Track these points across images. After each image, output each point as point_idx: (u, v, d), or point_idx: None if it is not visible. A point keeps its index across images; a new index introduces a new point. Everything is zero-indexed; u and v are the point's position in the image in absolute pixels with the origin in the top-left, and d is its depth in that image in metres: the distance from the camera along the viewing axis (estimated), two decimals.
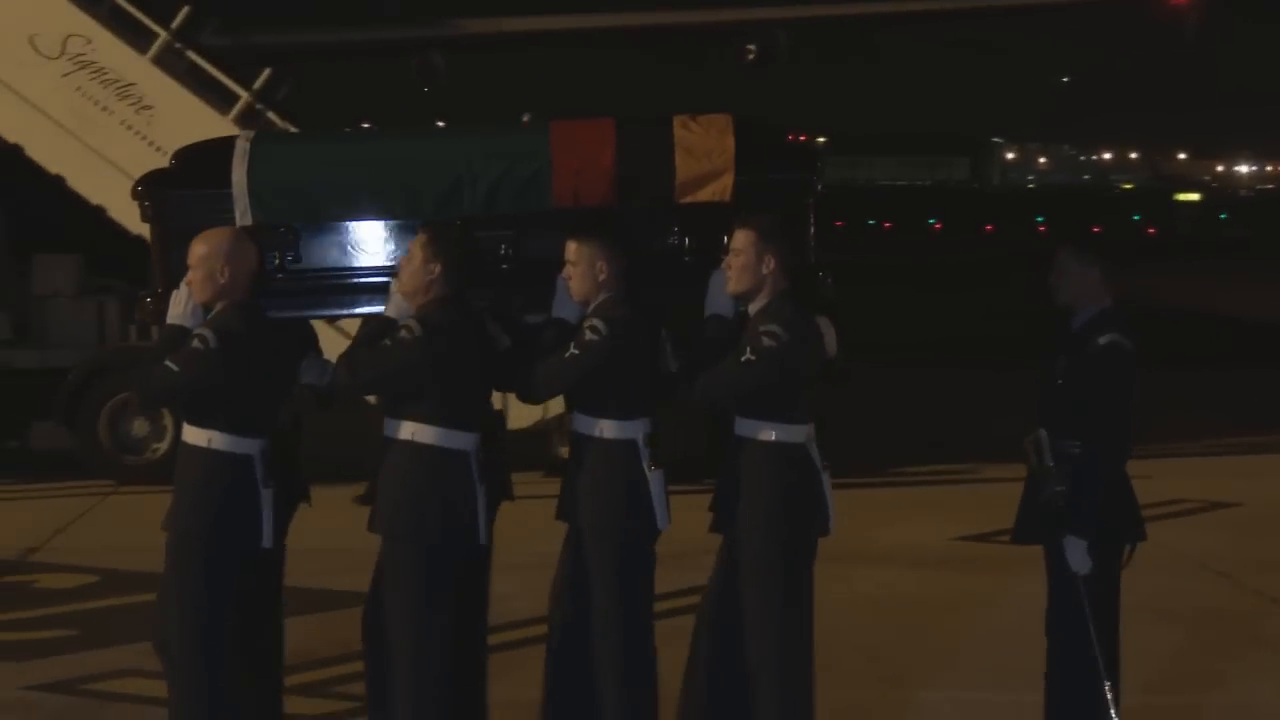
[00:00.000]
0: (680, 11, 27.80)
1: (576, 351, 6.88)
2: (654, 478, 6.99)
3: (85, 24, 15.13)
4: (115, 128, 14.54)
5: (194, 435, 6.87)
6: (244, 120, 15.02)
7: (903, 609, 10.52)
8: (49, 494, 14.37)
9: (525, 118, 18.14)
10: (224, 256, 6.86)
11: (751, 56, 27.16)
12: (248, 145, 7.28)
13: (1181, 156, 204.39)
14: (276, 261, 7.26)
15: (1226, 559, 12.00)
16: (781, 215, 7.07)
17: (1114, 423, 7.08)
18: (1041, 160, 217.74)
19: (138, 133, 14.52)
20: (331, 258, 7.38)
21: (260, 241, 7.10)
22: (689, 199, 7.22)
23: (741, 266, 6.87)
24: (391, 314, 7.00)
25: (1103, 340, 7.06)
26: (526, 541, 7.57)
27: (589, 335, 6.87)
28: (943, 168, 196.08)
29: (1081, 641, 7.01)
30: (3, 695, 8.55)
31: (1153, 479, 15.16)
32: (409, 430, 6.89)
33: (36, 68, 15.03)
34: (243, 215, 7.18)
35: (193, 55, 15.54)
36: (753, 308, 6.93)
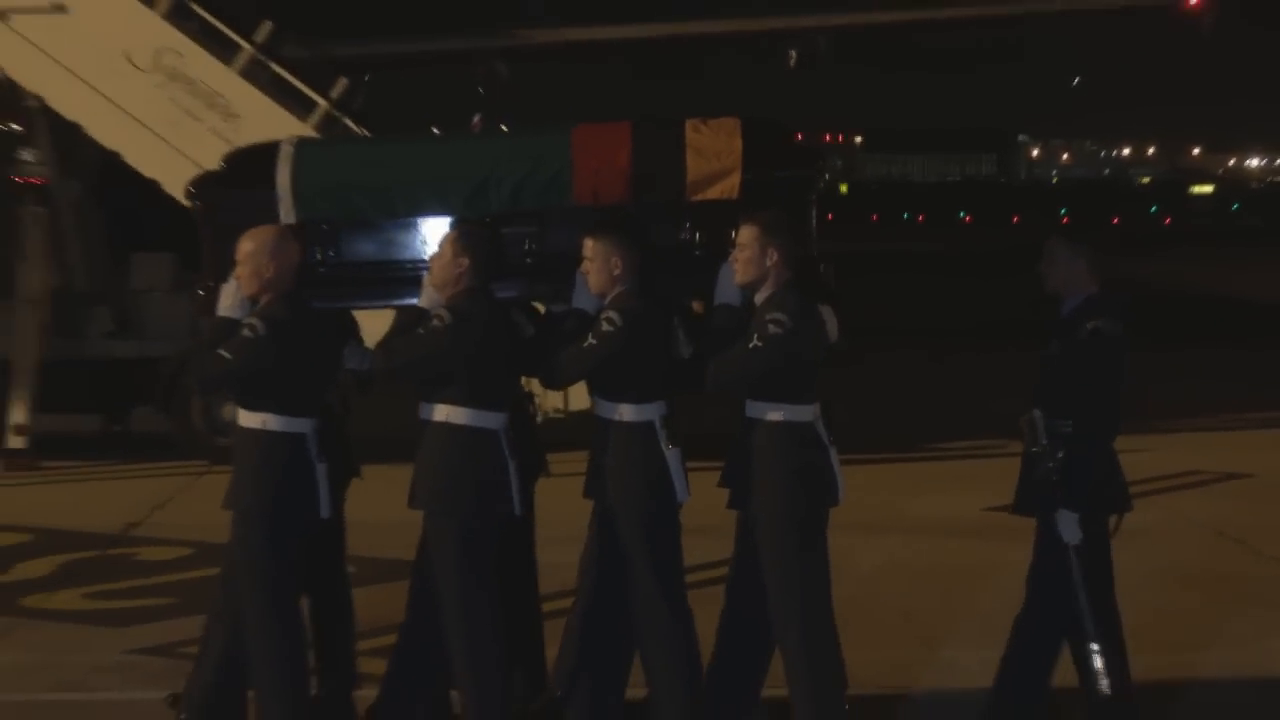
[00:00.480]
0: (728, 20, 27.80)
1: (594, 341, 6.91)
2: (671, 455, 7.00)
3: (177, 39, 15.17)
4: (205, 135, 14.56)
5: (249, 419, 6.90)
6: (323, 126, 15.05)
7: (937, 575, 10.47)
8: (148, 474, 14.45)
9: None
10: (269, 252, 6.88)
11: (793, 61, 27.11)
12: (291, 150, 7.32)
13: (1196, 151, 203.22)
14: (318, 257, 7.30)
15: (1242, 526, 11.92)
16: (785, 211, 7.09)
17: (1102, 403, 7.06)
18: (1064, 156, 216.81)
19: (226, 139, 14.51)
20: (368, 253, 7.43)
21: (302, 238, 7.14)
22: (699, 196, 7.25)
23: (747, 259, 6.89)
24: (424, 304, 7.04)
25: (1090, 326, 7.05)
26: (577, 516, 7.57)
27: (605, 326, 6.89)
28: (972, 164, 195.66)
29: (1066, 607, 7.05)
30: (107, 658, 8.60)
31: (1171, 450, 15.23)
32: (442, 412, 6.92)
33: (132, 80, 15.07)
34: (286, 214, 7.22)
35: (275, 67, 15.55)
36: (759, 297, 6.93)
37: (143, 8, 15.25)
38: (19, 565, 10.91)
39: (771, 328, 6.79)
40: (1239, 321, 29.74)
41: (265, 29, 15.55)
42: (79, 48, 15.14)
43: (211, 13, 15.51)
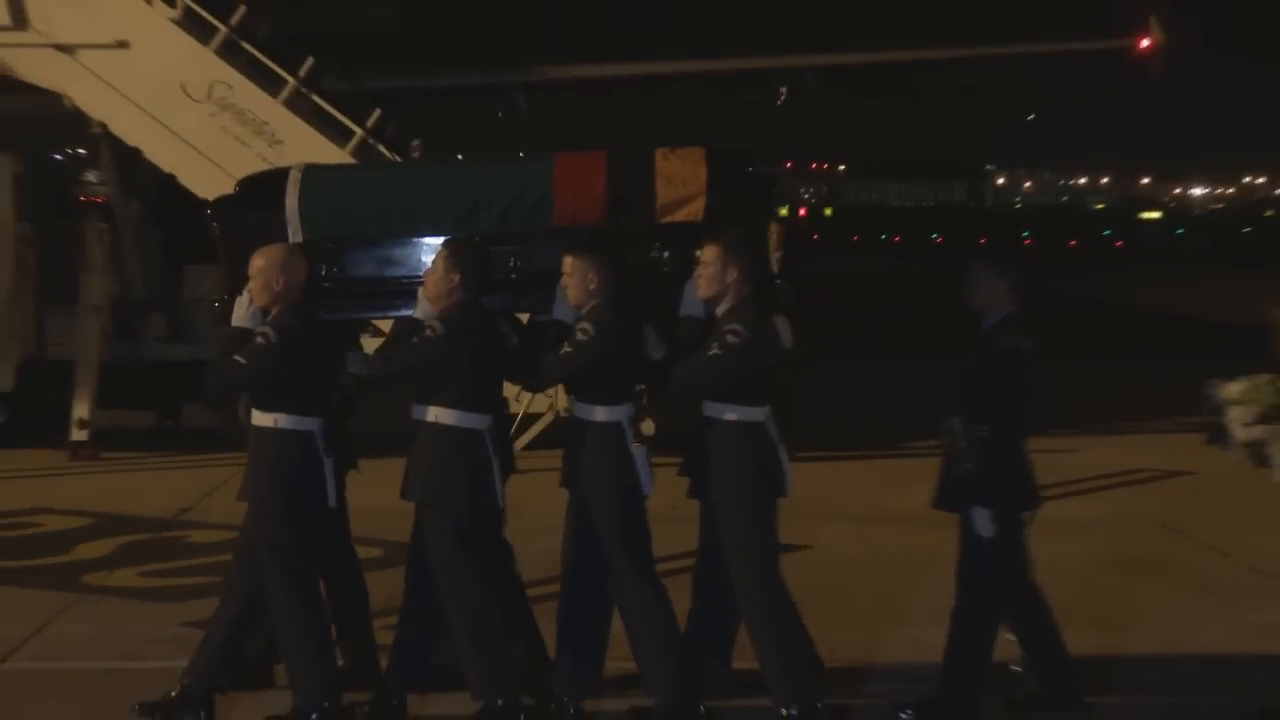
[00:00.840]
0: (723, 59, 27.90)
1: (569, 349, 6.95)
2: (638, 452, 7.06)
3: (228, 73, 15.19)
4: (252, 159, 14.55)
5: (262, 419, 6.95)
6: (359, 153, 15.09)
7: (915, 562, 10.47)
8: (198, 464, 14.44)
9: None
10: (279, 268, 6.92)
11: (783, 97, 27.16)
12: (299, 175, 7.37)
13: (1145, 181, 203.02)
14: (323, 272, 7.35)
15: (1181, 518, 11.90)
16: (744, 232, 7.18)
17: (1012, 411, 7.16)
18: (1027, 184, 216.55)
19: (271, 163, 14.53)
20: (368, 269, 7.47)
21: (309, 255, 7.18)
22: (668, 219, 7.31)
23: (710, 276, 6.98)
24: (419, 316, 7.10)
25: (1004, 342, 7.17)
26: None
27: (580, 336, 6.95)
28: (944, 190, 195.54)
29: (986, 593, 7.16)
30: (162, 630, 8.60)
31: (1120, 450, 15.24)
32: (434, 414, 6.98)
33: (187, 109, 15.09)
34: (294, 233, 7.27)
35: (316, 98, 15.57)
36: (720, 310, 7.03)
37: (197, 44, 15.27)
38: (80, 546, 10.92)
39: (730, 337, 6.88)
40: (1185, 334, 29.74)
41: (307, 64, 15.57)
42: (139, 80, 15.17)
43: (259, 49, 15.56)
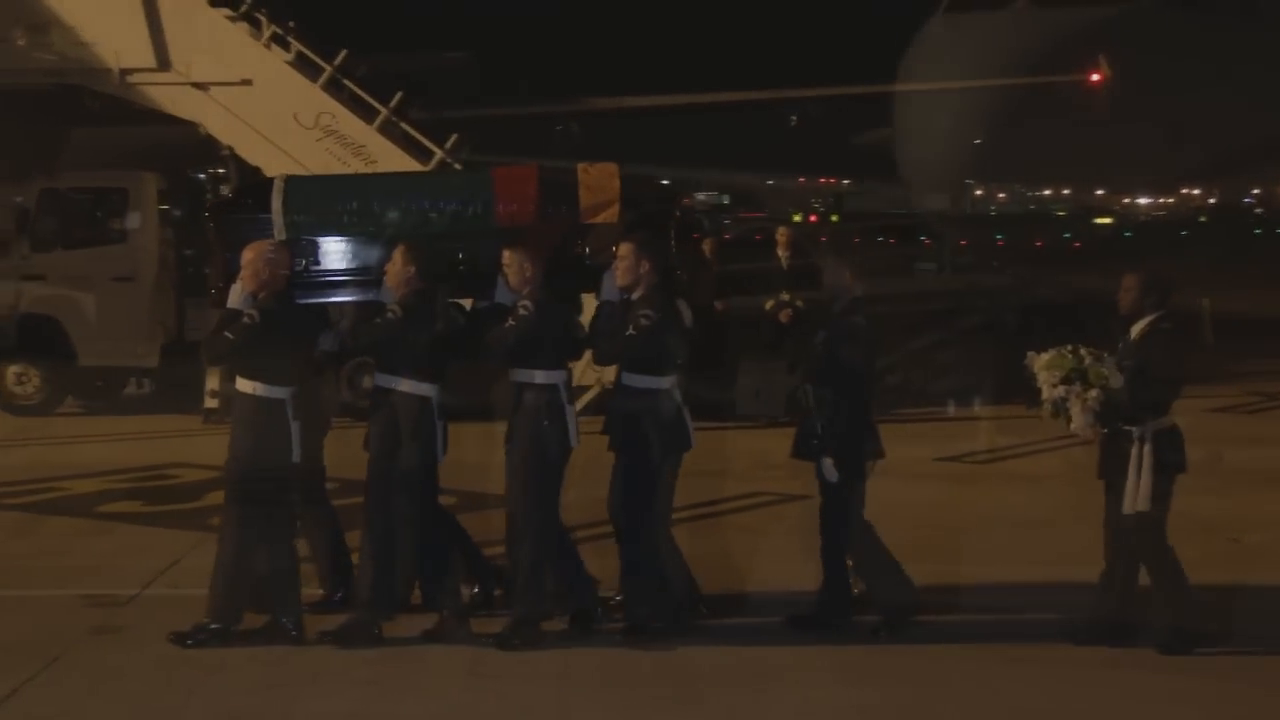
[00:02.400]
0: (744, 91, 27.97)
1: (512, 323, 7.06)
2: (569, 410, 7.18)
3: (331, 105, 15.33)
4: None
5: (244, 385, 7.11)
6: (439, 170, 15.11)
7: (900, 509, 10.42)
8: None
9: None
10: (265, 260, 7.08)
11: (794, 122, 27.14)
12: (282, 183, 7.44)
13: (1100, 192, 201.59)
14: (302, 264, 7.44)
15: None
16: (652, 232, 7.32)
17: (854, 377, 7.28)
18: (1000, 194, 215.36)
19: None
20: (340, 261, 7.54)
21: (290, 249, 7.29)
22: (589, 220, 7.40)
23: (626, 268, 7.11)
24: (383, 300, 7.21)
25: (847, 320, 7.31)
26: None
27: (521, 311, 7.06)
28: (928, 200, 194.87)
29: (836, 532, 7.31)
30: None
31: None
32: (392, 382, 7.12)
33: (298, 135, 15.23)
34: (279, 231, 7.34)
35: (404, 125, 15.65)
36: (634, 296, 7.14)
37: (307, 82, 15.41)
38: (209, 494, 10.94)
39: (643, 320, 7.03)
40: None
41: (397, 97, 15.65)
42: (259, 111, 15.31)
43: (358, 85, 15.64)
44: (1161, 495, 7.03)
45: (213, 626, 7.09)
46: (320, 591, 7.71)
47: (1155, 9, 15.11)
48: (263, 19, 15.65)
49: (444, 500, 7.60)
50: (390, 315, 7.06)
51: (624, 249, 7.13)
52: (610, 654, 7.03)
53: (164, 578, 8.44)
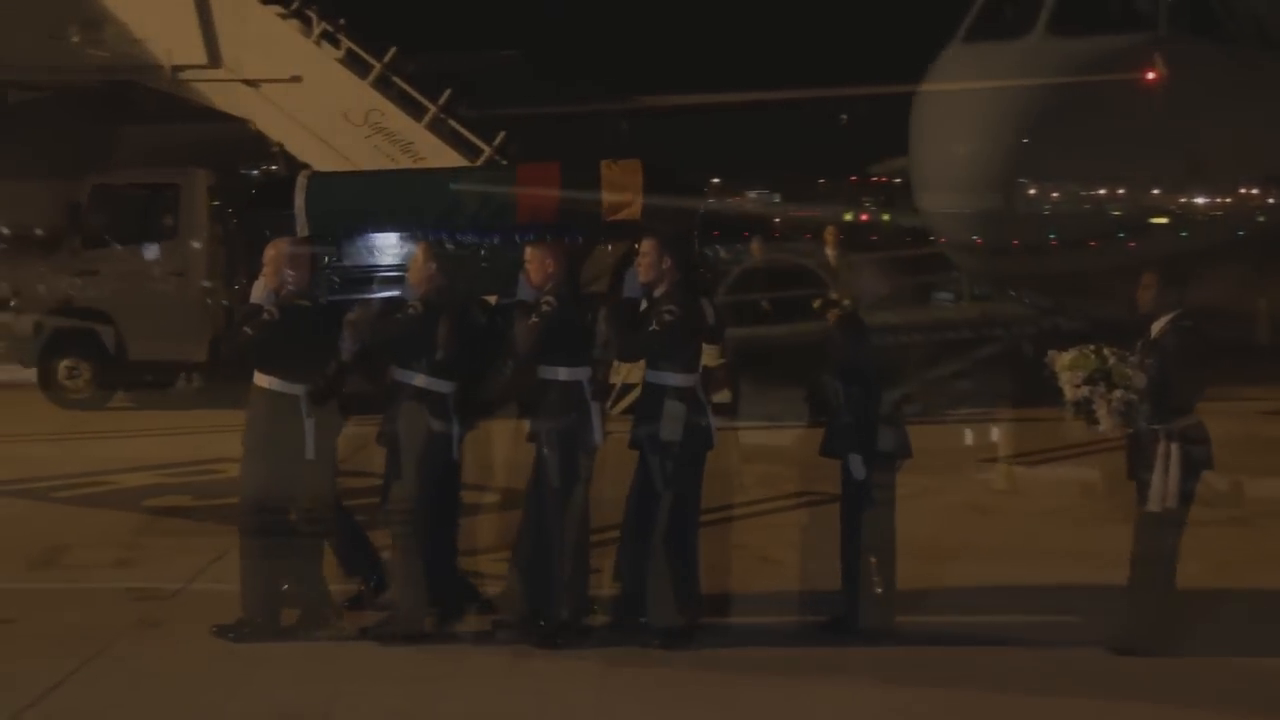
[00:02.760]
0: (796, 89, 27.94)
1: (536, 319, 6.96)
2: (594, 408, 7.07)
3: (380, 102, 15.38)
4: None
5: (261, 380, 7.09)
6: (486, 165, 15.13)
7: (935, 512, 10.33)
8: (355, 422, 14.54)
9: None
10: (287, 257, 7.08)
11: (845, 121, 27.05)
12: (305, 180, 7.45)
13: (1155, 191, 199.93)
14: (325, 261, 7.44)
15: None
16: (675, 228, 7.23)
17: (874, 375, 7.26)
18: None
19: None
20: (361, 258, 7.54)
21: (313, 246, 7.26)
22: (612, 218, 7.35)
23: (648, 264, 7.04)
24: (404, 297, 7.18)
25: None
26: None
27: (544, 308, 6.96)
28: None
29: (856, 526, 7.17)
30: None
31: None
32: (409, 377, 7.06)
33: (348, 132, 15.28)
34: (301, 228, 7.35)
35: (452, 122, 15.69)
36: (656, 293, 7.08)
37: (357, 79, 15.47)
38: None
39: (666, 315, 6.97)
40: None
41: (445, 95, 15.69)
42: (310, 108, 15.38)
43: (406, 82, 15.70)
44: (1187, 494, 6.92)
45: (255, 621, 7.13)
46: (352, 586, 7.72)
47: (1173, 38, 14.95)
48: (313, 16, 15.75)
49: (468, 498, 7.59)
50: (411, 311, 7.06)
51: (646, 245, 7.07)
52: (650, 654, 7.00)
53: (209, 572, 8.47)
